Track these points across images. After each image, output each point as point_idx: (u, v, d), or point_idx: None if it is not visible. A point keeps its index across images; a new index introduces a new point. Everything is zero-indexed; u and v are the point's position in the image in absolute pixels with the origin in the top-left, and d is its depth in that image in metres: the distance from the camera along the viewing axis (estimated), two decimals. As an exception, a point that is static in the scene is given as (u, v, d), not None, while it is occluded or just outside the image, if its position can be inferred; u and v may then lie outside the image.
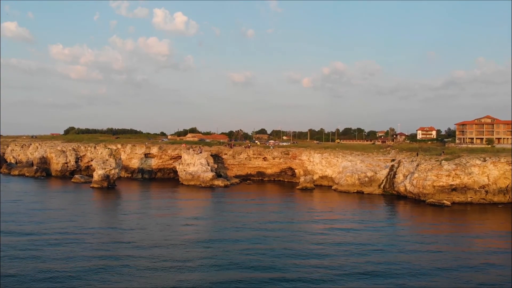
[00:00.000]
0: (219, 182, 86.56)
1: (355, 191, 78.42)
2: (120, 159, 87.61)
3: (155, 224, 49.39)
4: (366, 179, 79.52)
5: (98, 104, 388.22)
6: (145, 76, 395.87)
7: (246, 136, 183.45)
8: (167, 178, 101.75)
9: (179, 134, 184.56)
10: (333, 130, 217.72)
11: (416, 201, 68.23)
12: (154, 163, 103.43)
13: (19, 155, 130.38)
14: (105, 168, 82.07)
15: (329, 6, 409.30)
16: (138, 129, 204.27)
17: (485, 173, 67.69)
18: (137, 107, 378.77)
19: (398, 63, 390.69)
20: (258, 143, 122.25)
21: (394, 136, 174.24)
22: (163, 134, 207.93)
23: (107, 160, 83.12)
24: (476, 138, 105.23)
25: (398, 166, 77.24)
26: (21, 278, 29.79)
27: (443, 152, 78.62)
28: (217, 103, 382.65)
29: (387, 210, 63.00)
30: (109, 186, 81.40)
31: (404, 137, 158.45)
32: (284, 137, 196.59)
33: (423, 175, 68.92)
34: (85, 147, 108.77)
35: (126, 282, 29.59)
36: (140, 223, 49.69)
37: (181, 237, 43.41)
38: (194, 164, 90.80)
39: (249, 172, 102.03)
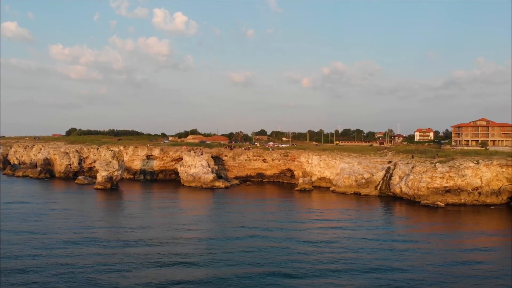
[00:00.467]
0: (219, 184, 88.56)
1: (352, 192, 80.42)
2: (123, 161, 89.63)
3: (158, 223, 51.47)
4: (363, 180, 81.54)
5: (98, 104, 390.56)
6: (145, 76, 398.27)
7: (246, 138, 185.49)
8: (168, 180, 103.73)
9: (180, 135, 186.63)
10: (333, 131, 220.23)
11: (411, 202, 70.23)
12: (155, 164, 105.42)
13: (22, 156, 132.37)
14: (108, 170, 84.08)
15: (329, 6, 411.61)
16: (138, 129, 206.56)
17: (478, 175, 69.71)
18: (137, 107, 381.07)
19: (398, 63, 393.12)
20: (258, 145, 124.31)
21: (392, 137, 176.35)
22: (163, 135, 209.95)
23: (110, 162, 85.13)
24: (472, 140, 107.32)
25: (394, 168, 79.28)
26: (31, 274, 31.82)
27: (436, 154, 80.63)
28: (217, 103, 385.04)
29: (382, 211, 64.96)
30: (112, 187, 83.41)
31: (401, 138, 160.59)
32: (284, 138, 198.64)
33: (418, 177, 70.97)
34: (88, 149, 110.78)
35: (133, 278, 31.65)
36: (144, 223, 51.82)
37: (184, 236, 45.61)
38: (195, 166, 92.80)
39: (249, 174, 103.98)
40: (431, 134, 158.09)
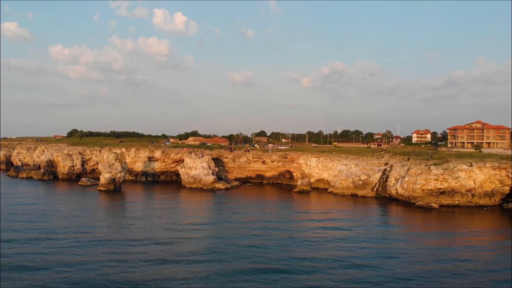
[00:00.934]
0: (220, 185, 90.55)
1: (349, 193, 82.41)
2: (125, 163, 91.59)
3: (161, 224, 53.60)
4: (360, 182, 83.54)
5: (98, 104, 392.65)
6: (145, 76, 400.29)
7: (246, 139, 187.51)
8: (170, 181, 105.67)
9: (180, 137, 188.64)
10: (333, 131, 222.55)
11: (407, 203, 72.20)
12: (157, 166, 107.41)
13: (25, 158, 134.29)
14: (111, 172, 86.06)
15: (329, 6, 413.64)
16: (138, 130, 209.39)
17: (471, 178, 71.72)
18: (137, 107, 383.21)
19: (398, 63, 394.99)
20: (258, 147, 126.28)
21: (390, 139, 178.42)
22: (164, 136, 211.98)
23: (113, 164, 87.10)
24: (467, 142, 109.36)
25: (390, 170, 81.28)
26: (42, 271, 33.82)
27: (431, 157, 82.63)
28: (217, 103, 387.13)
29: (378, 212, 66.89)
30: (115, 189, 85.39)
31: (399, 140, 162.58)
32: (283, 140, 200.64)
33: (413, 179, 72.99)
34: (91, 151, 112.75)
35: (140, 273, 33.78)
36: (147, 223, 53.96)
37: (186, 236, 47.82)
38: (196, 168, 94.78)
39: (248, 175, 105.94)
40: (429, 135, 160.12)
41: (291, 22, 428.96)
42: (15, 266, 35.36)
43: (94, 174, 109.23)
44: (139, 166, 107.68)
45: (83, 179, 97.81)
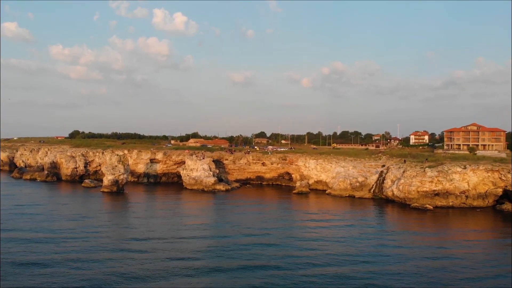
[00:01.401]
0: (220, 187, 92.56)
1: (347, 195, 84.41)
2: (128, 165, 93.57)
3: (164, 224, 55.84)
4: (357, 184, 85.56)
5: (98, 104, 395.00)
6: (145, 76, 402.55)
7: (246, 141, 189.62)
8: (171, 182, 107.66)
9: (181, 139, 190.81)
10: (332, 132, 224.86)
11: (402, 205, 74.17)
12: (159, 168, 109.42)
13: (28, 159, 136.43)
14: (114, 174, 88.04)
15: (329, 6, 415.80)
16: (139, 130, 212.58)
17: (465, 180, 73.71)
18: (137, 107, 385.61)
19: (398, 63, 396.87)
20: (257, 149, 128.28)
21: (388, 140, 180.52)
22: (165, 137, 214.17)
23: (116, 166, 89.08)
24: (463, 145, 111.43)
25: (387, 172, 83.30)
26: (52, 268, 35.85)
27: (426, 159, 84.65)
28: (217, 103, 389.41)
29: (374, 213, 68.87)
30: (118, 190, 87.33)
31: (397, 142, 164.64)
32: (283, 141, 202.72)
33: (409, 181, 75.00)
34: (93, 153, 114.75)
35: (146, 269, 35.91)
36: (151, 223, 56.15)
37: (189, 235, 50.12)
38: (197, 170, 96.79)
39: (248, 177, 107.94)
40: (426, 137, 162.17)
41: (291, 22, 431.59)
42: (23, 263, 37.41)
43: (96, 176, 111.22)
44: (141, 168, 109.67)
45: (86, 180, 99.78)
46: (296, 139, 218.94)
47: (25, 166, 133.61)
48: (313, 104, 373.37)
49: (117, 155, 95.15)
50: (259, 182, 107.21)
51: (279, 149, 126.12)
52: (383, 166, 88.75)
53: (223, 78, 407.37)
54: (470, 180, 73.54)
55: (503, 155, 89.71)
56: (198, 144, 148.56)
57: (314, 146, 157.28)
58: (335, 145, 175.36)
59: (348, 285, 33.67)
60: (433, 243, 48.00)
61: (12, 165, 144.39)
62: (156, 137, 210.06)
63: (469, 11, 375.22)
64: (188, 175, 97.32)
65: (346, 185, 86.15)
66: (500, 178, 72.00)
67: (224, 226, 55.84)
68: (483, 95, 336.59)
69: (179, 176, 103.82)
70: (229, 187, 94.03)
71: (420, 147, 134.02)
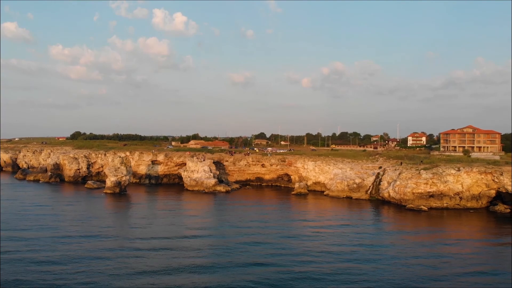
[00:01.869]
0: (221, 188, 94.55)
1: (344, 196, 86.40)
2: (130, 166, 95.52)
3: (166, 224, 57.98)
4: (355, 185, 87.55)
5: (98, 105, 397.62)
6: (144, 76, 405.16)
7: (245, 142, 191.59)
8: (172, 184, 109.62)
9: (182, 140, 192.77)
10: (332, 132, 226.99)
11: (398, 206, 76.14)
12: (160, 169, 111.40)
13: (31, 161, 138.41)
14: (117, 175, 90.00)
15: (329, 6, 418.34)
16: (139, 130, 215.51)
17: (459, 182, 75.70)
18: (137, 107, 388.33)
19: (397, 63, 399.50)
20: (257, 150, 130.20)
21: (386, 141, 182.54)
22: (166, 139, 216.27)
23: (119, 168, 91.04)
24: (459, 147, 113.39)
25: (383, 174, 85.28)
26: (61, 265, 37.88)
27: (421, 161, 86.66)
28: (217, 103, 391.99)
29: (370, 213, 70.79)
30: (121, 191, 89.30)
31: (395, 143, 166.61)
32: (282, 142, 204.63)
33: (404, 183, 77.00)
34: (96, 154, 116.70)
35: (151, 266, 38.00)
36: (154, 223, 58.28)
37: (190, 233, 52.46)
38: (198, 171, 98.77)
39: (248, 178, 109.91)
40: (424, 138, 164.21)
41: (291, 22, 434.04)
42: (31, 260, 39.38)
43: (99, 177, 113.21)
44: (142, 169, 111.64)
45: (89, 182, 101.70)
46: (296, 140, 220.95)
47: (28, 167, 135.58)
48: (313, 104, 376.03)
49: (120, 157, 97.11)
50: (258, 183, 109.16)
51: (278, 151, 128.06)
52: (380, 167, 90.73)
53: (223, 78, 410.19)
54: (464, 182, 75.52)
55: (497, 157, 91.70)
56: (198, 146, 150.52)
57: (313, 148, 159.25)
58: (334, 146, 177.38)
59: (343, 281, 35.67)
60: (426, 242, 49.96)
61: (15, 166, 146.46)
62: (157, 138, 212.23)
63: (469, 11, 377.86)
64: (189, 177, 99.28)
65: (344, 186, 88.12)
66: (493, 180, 73.99)
67: (224, 226, 57.97)
68: (483, 95, 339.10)
69: (180, 178, 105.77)
70: (229, 188, 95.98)
71: (417, 148, 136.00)
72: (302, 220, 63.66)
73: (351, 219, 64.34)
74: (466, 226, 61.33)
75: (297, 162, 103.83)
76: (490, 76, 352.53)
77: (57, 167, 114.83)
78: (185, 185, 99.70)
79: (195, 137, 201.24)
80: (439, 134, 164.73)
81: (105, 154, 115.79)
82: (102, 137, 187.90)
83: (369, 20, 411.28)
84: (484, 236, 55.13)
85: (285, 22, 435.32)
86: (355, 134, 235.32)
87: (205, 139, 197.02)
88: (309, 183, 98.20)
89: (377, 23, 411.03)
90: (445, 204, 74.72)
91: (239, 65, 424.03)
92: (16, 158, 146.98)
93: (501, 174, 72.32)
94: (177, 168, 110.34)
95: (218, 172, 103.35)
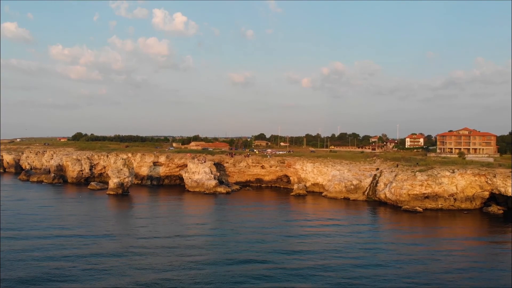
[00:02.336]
0: (221, 189, 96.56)
1: (342, 197, 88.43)
2: (132, 168, 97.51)
3: (169, 224, 59.98)
4: (352, 186, 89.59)
5: (98, 105, 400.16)
6: (144, 76, 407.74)
7: (245, 144, 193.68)
8: (173, 185, 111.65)
9: (183, 142, 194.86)
10: (332, 132, 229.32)
11: (394, 207, 78.17)
12: (162, 170, 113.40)
13: (33, 162, 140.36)
14: (119, 177, 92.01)
15: (329, 6, 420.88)
16: (139, 130, 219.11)
17: (453, 183, 77.74)
18: (137, 107, 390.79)
19: (397, 63, 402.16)
20: (257, 152, 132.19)
21: (385, 143, 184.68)
22: (166, 139, 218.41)
23: (121, 169, 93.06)
24: (455, 148, 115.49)
25: (380, 175, 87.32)
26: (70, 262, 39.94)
27: (417, 163, 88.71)
28: (217, 103, 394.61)
29: (366, 214, 72.91)
30: (123, 193, 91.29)
31: (393, 144, 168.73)
32: (282, 143, 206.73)
33: (400, 185, 79.05)
34: (98, 156, 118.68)
35: (154, 263, 39.97)
36: (156, 223, 60.32)
37: (191, 233, 54.72)
38: (199, 173, 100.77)
39: (248, 179, 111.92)
40: (422, 140, 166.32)
41: (291, 22, 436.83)
42: (39, 257, 41.53)
43: (101, 178, 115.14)
44: (144, 171, 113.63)
45: (92, 183, 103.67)
46: (295, 141, 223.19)
47: (31, 168, 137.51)
48: (313, 104, 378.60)
49: (122, 158, 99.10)
50: (258, 185, 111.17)
51: (278, 152, 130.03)
52: (377, 169, 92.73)
53: (223, 79, 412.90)
54: (458, 184, 77.56)
55: (491, 159, 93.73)
56: (199, 147, 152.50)
57: (312, 149, 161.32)
58: (333, 147, 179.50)
59: (337, 277, 37.73)
60: (419, 242, 52.02)
61: (18, 167, 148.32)
62: (158, 139, 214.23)
63: (469, 11, 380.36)
64: (190, 178, 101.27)
65: (342, 187, 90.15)
66: (486, 182, 76.01)
67: (225, 226, 60.18)
68: (483, 95, 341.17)
69: (181, 179, 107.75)
70: (230, 190, 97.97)
71: (415, 150, 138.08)
72: (300, 220, 65.81)
73: (347, 220, 66.41)
74: (459, 226, 63.44)
75: (296, 163, 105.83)
76: (490, 76, 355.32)
77: (60, 169, 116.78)
78: (186, 186, 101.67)
79: (196, 138, 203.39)
80: (438, 134, 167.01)
81: (107, 156, 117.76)
82: (104, 138, 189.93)
83: (369, 20, 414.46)
84: (477, 235, 57.33)
85: (285, 22, 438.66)
86: (354, 135, 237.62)
87: (206, 140, 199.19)
88: (308, 184, 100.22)
89: (377, 23, 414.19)
90: (440, 205, 76.74)
91: (239, 65, 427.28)
92: (19, 159, 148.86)
93: (494, 176, 74.32)
94: (178, 169, 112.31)
95: (218, 174, 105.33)
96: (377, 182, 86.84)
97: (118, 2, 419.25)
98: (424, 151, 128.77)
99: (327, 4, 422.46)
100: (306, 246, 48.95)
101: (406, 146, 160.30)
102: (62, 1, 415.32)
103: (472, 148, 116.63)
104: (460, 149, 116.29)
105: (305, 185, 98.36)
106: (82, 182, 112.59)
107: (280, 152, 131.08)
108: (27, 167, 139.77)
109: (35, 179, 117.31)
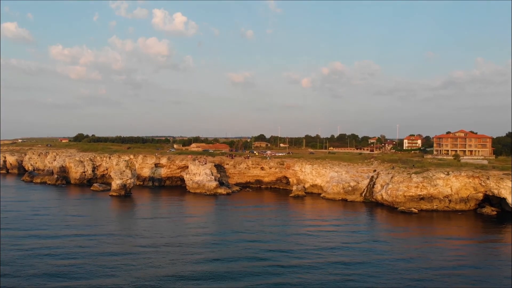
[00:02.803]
0: (222, 190, 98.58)
1: (340, 198, 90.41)
2: (135, 170, 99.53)
3: (171, 223, 62.11)
4: (350, 188, 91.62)
5: (98, 104, 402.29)
6: (144, 76, 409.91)
7: (245, 145, 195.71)
8: (175, 186, 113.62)
9: (183, 143, 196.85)
10: (332, 132, 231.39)
11: (390, 208, 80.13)
12: (163, 172, 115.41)
13: (36, 163, 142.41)
14: (122, 178, 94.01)
15: (329, 6, 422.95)
16: (140, 131, 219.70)
17: (448, 185, 79.75)
18: (137, 107, 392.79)
19: (397, 63, 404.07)
20: (256, 154, 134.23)
21: (383, 144, 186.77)
22: (167, 140, 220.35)
23: (124, 171, 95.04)
24: (451, 150, 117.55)
25: (377, 177, 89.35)
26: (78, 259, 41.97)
27: (413, 165, 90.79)
28: (217, 103, 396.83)
29: (362, 215, 74.90)
30: (126, 194, 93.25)
31: (391, 146, 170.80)
32: (281, 144, 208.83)
33: (396, 186, 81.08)
34: (101, 157, 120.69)
35: (157, 259, 41.96)
36: (159, 223, 62.47)
37: (192, 232, 57.09)
38: (200, 174, 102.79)
39: (248, 180, 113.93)
40: (419, 141, 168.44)
41: (291, 22, 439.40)
42: (48, 255, 43.54)
43: (104, 179, 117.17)
44: (146, 172, 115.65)
45: (95, 184, 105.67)
46: (295, 142, 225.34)
47: (34, 170, 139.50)
48: (313, 104, 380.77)
49: (124, 160, 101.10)
50: (258, 186, 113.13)
51: (277, 154, 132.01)
52: (375, 171, 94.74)
53: (223, 79, 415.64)
54: (453, 186, 79.57)
55: (485, 162, 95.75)
56: (200, 149, 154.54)
57: (312, 150, 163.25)
58: (332, 148, 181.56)
59: (333, 274, 39.79)
60: (413, 242, 54.04)
61: (20, 168, 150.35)
62: (159, 140, 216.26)
63: (469, 11, 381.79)
64: (191, 179, 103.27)
65: (339, 189, 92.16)
66: (480, 183, 78.01)
67: (225, 226, 62.35)
68: (483, 95, 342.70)
69: (182, 180, 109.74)
70: (230, 191, 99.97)
71: (412, 151, 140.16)
72: (299, 220, 67.90)
73: (344, 221, 68.42)
74: (453, 227, 65.46)
75: (295, 165, 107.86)
76: (490, 76, 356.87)
77: (63, 170, 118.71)
78: (187, 187, 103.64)
79: (197, 140, 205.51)
80: (436, 135, 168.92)
81: (109, 157, 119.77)
82: (105, 139, 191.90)
83: (369, 20, 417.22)
84: (470, 236, 59.51)
85: (285, 22, 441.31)
86: (353, 136, 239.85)
87: (206, 141, 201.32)
88: (307, 185, 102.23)
89: (377, 23, 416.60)
90: (435, 207, 78.75)
91: (239, 65, 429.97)
92: (21, 161, 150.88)
93: (488, 178, 76.29)
94: (179, 171, 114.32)
95: (219, 175, 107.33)
96: (374, 184, 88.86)
97: (118, 2, 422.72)
98: (422, 153, 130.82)
99: (327, 4, 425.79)
100: (304, 246, 50.96)
101: (404, 148, 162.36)
102: (62, 1, 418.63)
103: (468, 150, 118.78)
104: (456, 151, 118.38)
105: (304, 187, 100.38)
106: (85, 183, 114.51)
107: (280, 154, 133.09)
108: (30, 168, 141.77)
109: (38, 180, 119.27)
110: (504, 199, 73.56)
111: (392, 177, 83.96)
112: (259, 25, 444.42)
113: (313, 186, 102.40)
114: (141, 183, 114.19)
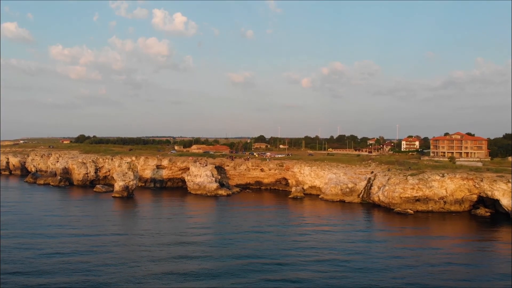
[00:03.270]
0: (222, 192, 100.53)
1: (338, 200, 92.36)
2: (137, 171, 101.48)
3: (173, 222, 63.97)
4: (347, 189, 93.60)
5: (98, 104, 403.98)
6: (144, 76, 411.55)
7: (245, 146, 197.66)
8: (176, 187, 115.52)
9: (184, 145, 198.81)
10: (332, 133, 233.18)
11: (387, 209, 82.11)
12: (165, 173, 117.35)
13: (39, 164, 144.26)
14: (125, 180, 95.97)
15: (329, 7, 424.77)
16: (140, 131, 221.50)
17: (443, 187, 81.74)
18: (137, 107, 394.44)
19: (397, 63, 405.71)
20: (256, 155, 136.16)
21: (382, 145, 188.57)
22: (167, 141, 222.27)
23: (126, 173, 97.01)
24: (448, 152, 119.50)
25: (374, 179, 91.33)
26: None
27: (410, 167, 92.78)
28: (217, 103, 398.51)
29: (359, 216, 76.71)
30: (128, 195, 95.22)
31: (389, 147, 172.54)
32: (281, 146, 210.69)
33: (392, 188, 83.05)
34: (103, 159, 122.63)
35: (160, 256, 43.87)
36: (161, 223, 64.36)
37: (193, 232, 58.99)
38: (201, 176, 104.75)
39: (248, 182, 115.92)
40: (417, 143, 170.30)
41: (291, 22, 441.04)
42: (51, 253, 45.54)
43: (106, 181, 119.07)
44: (148, 173, 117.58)
45: (98, 186, 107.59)
46: (294, 143, 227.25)
47: (36, 171, 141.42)
48: (313, 104, 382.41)
49: (126, 162, 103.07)
50: (258, 187, 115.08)
51: (276, 156, 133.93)
52: (372, 172, 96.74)
53: (223, 79, 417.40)
54: (448, 187, 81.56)
55: (479, 164, 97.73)
56: (200, 151, 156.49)
57: (311, 152, 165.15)
58: (331, 150, 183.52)
59: (329, 271, 41.80)
60: (408, 241, 56.02)
61: (23, 169, 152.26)
62: (159, 141, 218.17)
63: (469, 11, 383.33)
64: (192, 181, 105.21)
65: (337, 190, 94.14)
66: (474, 185, 79.99)
67: (225, 226, 64.50)
68: (483, 95, 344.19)
69: (183, 181, 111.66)
70: (230, 192, 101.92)
71: (410, 153, 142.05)
72: (297, 220, 69.77)
73: (342, 221, 70.37)
74: (448, 227, 67.52)
75: (294, 167, 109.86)
76: (490, 76, 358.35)
77: (66, 171, 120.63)
78: (188, 189, 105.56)
79: (197, 141, 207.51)
80: (434, 136, 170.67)
81: (112, 159, 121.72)
82: (107, 141, 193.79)
83: (369, 20, 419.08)
84: (464, 235, 61.63)
85: (285, 22, 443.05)
86: (352, 137, 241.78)
87: (207, 143, 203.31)
88: (306, 187, 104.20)
89: (377, 23, 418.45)
90: (430, 208, 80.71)
91: (239, 65, 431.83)
92: (24, 162, 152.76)
93: (481, 180, 78.26)
94: (180, 172, 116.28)
95: (219, 177, 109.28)
96: (371, 185, 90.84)
97: (118, 2, 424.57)
98: (419, 154, 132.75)
99: (327, 4, 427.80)
100: (301, 244, 53.14)
101: (402, 149, 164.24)
102: (62, 1, 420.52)
103: (464, 152, 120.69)
104: (452, 153, 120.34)
105: (302, 188, 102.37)
106: (88, 184, 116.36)
107: (279, 155, 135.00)
108: (33, 169, 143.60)
109: (42, 181, 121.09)
110: (497, 201, 75.54)
111: (388, 179, 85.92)
112: (259, 25, 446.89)
113: (311, 187, 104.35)
114: (143, 184, 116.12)
